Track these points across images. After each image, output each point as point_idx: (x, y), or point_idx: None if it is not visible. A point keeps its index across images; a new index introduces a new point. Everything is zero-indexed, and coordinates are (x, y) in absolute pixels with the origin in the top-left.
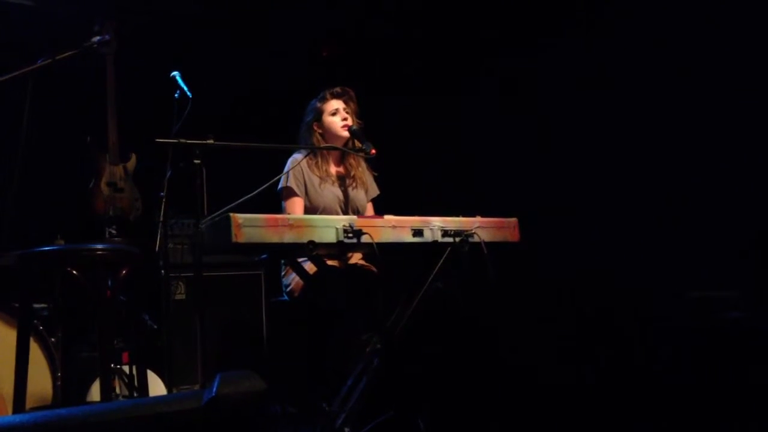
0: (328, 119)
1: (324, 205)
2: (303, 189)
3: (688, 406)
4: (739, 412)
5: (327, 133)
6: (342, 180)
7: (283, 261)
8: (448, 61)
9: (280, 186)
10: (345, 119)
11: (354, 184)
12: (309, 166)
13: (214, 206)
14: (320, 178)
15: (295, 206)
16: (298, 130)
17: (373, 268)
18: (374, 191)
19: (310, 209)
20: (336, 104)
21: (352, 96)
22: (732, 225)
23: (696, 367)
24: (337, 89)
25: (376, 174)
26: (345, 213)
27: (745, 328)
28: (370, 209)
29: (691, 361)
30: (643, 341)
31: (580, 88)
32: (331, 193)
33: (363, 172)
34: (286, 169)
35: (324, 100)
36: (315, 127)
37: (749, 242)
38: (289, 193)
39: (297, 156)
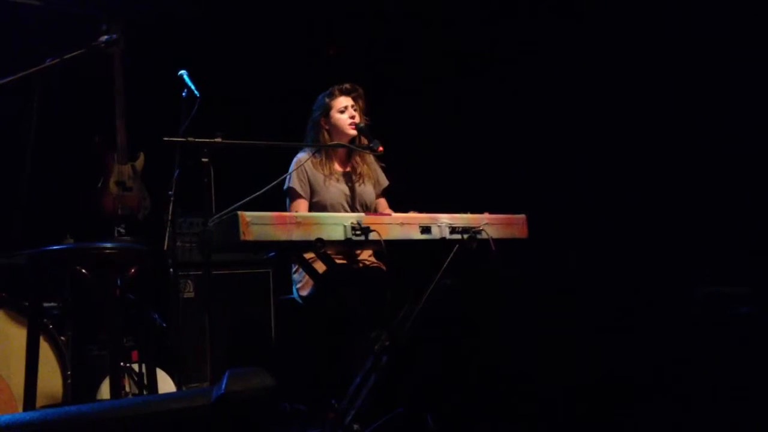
0: (336, 116)
1: (330, 202)
2: (307, 189)
3: (697, 401)
4: (749, 409)
5: (334, 130)
6: (348, 176)
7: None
8: (453, 57)
9: (285, 186)
10: (353, 117)
11: (360, 180)
12: (313, 165)
13: (222, 204)
14: (325, 175)
15: (300, 207)
16: (305, 126)
17: (382, 266)
18: (384, 182)
19: (317, 207)
20: (345, 101)
21: (361, 93)
22: (742, 220)
23: (707, 362)
24: (347, 85)
25: (383, 165)
26: (352, 208)
27: (755, 323)
28: (383, 203)
29: (701, 357)
30: (653, 337)
31: (582, 83)
32: (337, 189)
33: (369, 168)
34: (290, 170)
35: (332, 96)
36: (322, 123)
37: (759, 237)
38: (293, 194)
39: (301, 155)
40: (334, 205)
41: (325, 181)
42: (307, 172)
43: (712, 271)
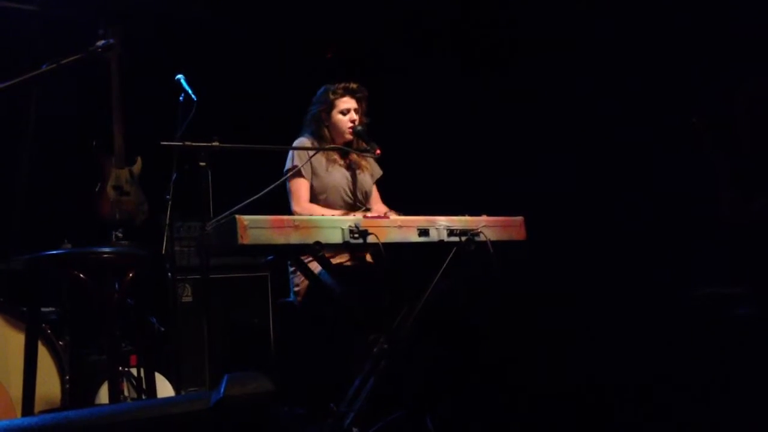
0: (337, 117)
1: (333, 184)
2: (309, 170)
3: (696, 403)
4: (748, 410)
5: (333, 128)
6: (348, 164)
7: (289, 261)
8: (450, 59)
9: (286, 167)
10: (353, 122)
11: (360, 169)
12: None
13: (219, 208)
14: (327, 159)
15: (301, 187)
16: (304, 118)
17: (380, 268)
18: (378, 172)
19: (318, 189)
20: (349, 103)
21: (365, 95)
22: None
23: (706, 363)
24: (353, 85)
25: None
26: (353, 194)
27: (753, 324)
28: (375, 193)
29: (700, 358)
30: (651, 339)
31: (582, 83)
32: (339, 173)
33: (365, 159)
34: (291, 150)
35: (337, 94)
36: (323, 118)
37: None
38: (295, 173)
39: (303, 138)
40: (336, 188)
41: (327, 165)
42: (309, 154)
43: (710, 271)
